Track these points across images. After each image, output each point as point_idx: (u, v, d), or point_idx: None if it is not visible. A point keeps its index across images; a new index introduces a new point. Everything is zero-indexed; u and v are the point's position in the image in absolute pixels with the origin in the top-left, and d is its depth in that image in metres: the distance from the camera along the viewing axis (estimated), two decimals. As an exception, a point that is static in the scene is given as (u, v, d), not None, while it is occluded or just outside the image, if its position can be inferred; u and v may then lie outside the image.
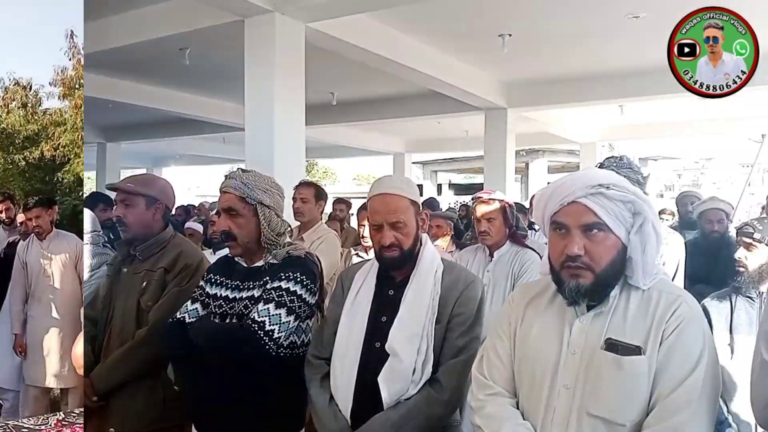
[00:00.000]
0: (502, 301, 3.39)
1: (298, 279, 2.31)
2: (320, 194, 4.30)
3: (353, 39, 6.40)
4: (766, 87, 7.56)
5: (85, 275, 3.13)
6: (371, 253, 3.74)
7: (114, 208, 2.87)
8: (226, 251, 2.51)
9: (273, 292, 2.27)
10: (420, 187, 23.60)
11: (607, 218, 1.62)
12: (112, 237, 3.56)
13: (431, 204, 9.15)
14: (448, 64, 8.18)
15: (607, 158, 3.30)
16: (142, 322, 2.66)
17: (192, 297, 2.48)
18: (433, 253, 2.28)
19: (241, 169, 2.45)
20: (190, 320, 2.40)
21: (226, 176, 2.44)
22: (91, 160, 15.98)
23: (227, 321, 2.35)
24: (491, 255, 3.64)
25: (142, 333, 2.61)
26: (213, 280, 2.47)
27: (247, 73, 5.67)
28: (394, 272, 2.25)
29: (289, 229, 2.49)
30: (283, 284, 2.28)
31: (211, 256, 4.08)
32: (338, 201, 7.53)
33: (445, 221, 5.38)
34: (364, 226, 3.97)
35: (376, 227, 2.19)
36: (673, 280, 3.36)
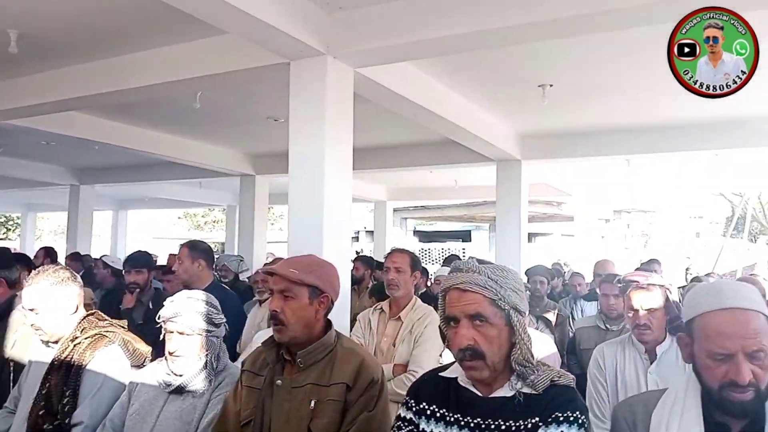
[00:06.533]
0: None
1: (580, 421, 1.68)
2: (416, 263, 3.63)
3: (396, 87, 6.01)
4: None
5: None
6: None
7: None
8: None
9: None
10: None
11: None
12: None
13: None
14: (471, 112, 7.79)
15: None
16: (317, 458, 2.00)
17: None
18: None
19: (478, 260, 1.81)
20: None
21: (458, 269, 1.81)
22: (63, 202, 15.14)
23: None
24: (648, 352, 3.01)
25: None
26: (429, 412, 1.80)
27: (292, 116, 5.16)
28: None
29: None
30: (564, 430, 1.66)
31: None
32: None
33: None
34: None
35: (723, 357, 1.59)
36: None
